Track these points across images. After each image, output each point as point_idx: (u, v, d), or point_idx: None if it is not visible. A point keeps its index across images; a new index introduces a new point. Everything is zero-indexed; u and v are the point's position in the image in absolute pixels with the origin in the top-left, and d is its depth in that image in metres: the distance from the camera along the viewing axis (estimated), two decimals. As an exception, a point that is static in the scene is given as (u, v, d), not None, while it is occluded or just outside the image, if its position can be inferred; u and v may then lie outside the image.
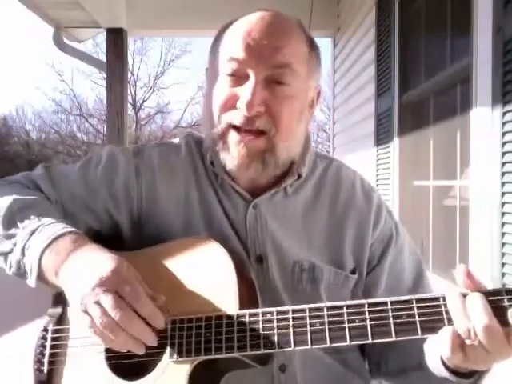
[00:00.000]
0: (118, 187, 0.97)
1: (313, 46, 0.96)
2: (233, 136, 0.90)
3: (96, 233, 0.98)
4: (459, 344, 0.69)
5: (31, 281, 0.86)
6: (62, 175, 1.01)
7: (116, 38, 4.65)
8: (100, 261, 0.80)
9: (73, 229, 0.87)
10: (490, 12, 1.99)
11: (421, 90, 3.07)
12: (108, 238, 0.97)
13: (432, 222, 3.06)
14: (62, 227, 0.87)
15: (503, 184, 1.91)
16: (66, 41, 4.94)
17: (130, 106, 22.05)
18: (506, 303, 0.69)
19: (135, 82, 24.20)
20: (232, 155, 0.90)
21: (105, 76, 4.98)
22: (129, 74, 20.15)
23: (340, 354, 0.96)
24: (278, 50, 0.88)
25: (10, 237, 0.89)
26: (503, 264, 1.91)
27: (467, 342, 0.68)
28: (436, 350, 0.79)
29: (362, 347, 1.02)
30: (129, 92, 21.31)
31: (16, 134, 25.77)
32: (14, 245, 0.88)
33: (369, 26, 3.91)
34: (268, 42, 0.88)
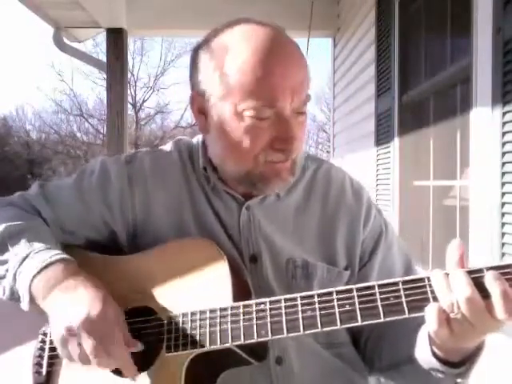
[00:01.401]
0: (112, 197, 0.98)
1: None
2: (273, 168, 0.91)
3: (96, 244, 1.00)
4: (445, 318, 0.72)
5: (24, 305, 0.87)
6: (56, 192, 1.02)
7: (116, 38, 4.65)
8: (88, 298, 0.83)
9: (64, 255, 0.89)
10: (490, 12, 1.99)
11: (421, 89, 3.07)
12: (107, 246, 0.98)
13: (432, 221, 3.06)
14: (52, 254, 0.89)
15: (503, 184, 1.91)
16: (65, 41, 4.94)
17: (130, 106, 22.06)
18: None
19: (135, 82, 24.23)
20: (273, 183, 0.93)
21: (105, 76, 4.98)
22: (129, 74, 20.16)
23: (335, 348, 0.98)
24: (302, 86, 0.88)
25: (2, 263, 0.91)
26: (503, 264, 1.91)
27: (451, 315, 0.71)
28: (426, 340, 0.81)
29: (355, 344, 1.04)
30: (129, 92, 21.31)
31: (16, 134, 25.78)
32: (7, 271, 0.90)
33: (369, 26, 3.92)
34: (295, 79, 0.87)
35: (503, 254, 1.91)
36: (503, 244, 1.91)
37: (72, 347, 0.81)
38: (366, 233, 1.02)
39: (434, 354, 0.81)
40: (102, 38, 7.39)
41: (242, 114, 0.87)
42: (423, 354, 0.84)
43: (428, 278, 0.74)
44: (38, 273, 0.86)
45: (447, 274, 0.73)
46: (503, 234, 1.92)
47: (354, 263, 1.01)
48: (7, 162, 22.92)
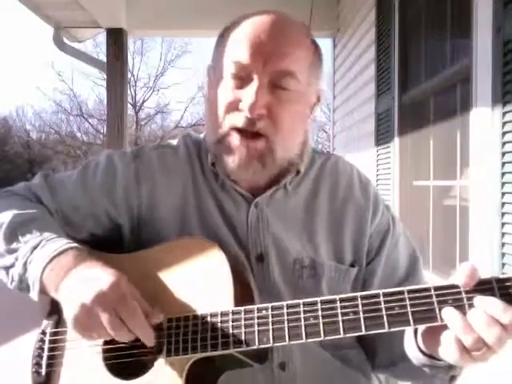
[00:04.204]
0: (117, 192, 0.97)
1: (317, 52, 0.96)
2: (235, 138, 0.90)
3: (99, 237, 0.99)
4: (464, 347, 0.70)
5: (33, 294, 0.86)
6: (61, 184, 1.01)
7: (116, 38, 4.65)
8: (99, 276, 0.80)
9: (74, 244, 0.88)
10: (490, 12, 1.99)
11: (421, 90, 3.07)
12: (110, 241, 0.98)
13: (432, 221, 3.06)
14: (64, 243, 0.87)
15: (503, 184, 1.91)
16: (65, 41, 4.95)
17: (130, 106, 22.06)
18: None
19: (135, 82, 24.24)
20: (233, 156, 0.90)
21: (105, 76, 4.98)
22: (129, 74, 20.15)
23: (340, 350, 0.97)
24: (283, 57, 0.88)
25: (12, 251, 0.89)
26: (503, 264, 1.91)
27: (477, 353, 0.70)
28: (412, 339, 0.82)
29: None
30: (129, 92, 21.32)
31: (16, 134, 25.80)
32: (16, 259, 0.88)
33: (369, 26, 3.91)
34: (274, 48, 0.88)
35: (503, 254, 1.91)
36: (503, 244, 1.91)
37: (89, 325, 0.78)
38: (373, 228, 1.01)
39: (420, 349, 0.81)
40: (102, 38, 7.40)
41: (220, 77, 0.91)
42: (411, 351, 0.84)
43: (434, 288, 0.73)
44: (50, 261, 0.84)
45: (463, 313, 0.71)
46: (503, 234, 1.91)
47: (361, 259, 1.00)
48: (7, 161, 22.94)
